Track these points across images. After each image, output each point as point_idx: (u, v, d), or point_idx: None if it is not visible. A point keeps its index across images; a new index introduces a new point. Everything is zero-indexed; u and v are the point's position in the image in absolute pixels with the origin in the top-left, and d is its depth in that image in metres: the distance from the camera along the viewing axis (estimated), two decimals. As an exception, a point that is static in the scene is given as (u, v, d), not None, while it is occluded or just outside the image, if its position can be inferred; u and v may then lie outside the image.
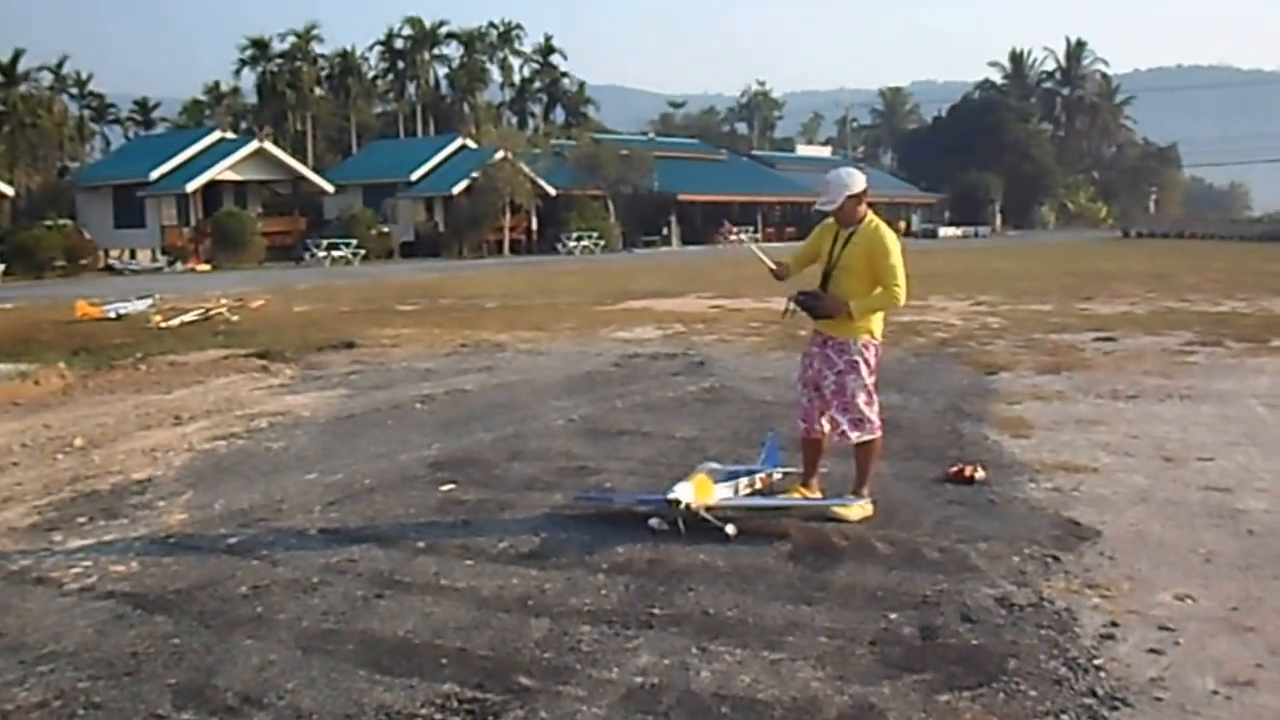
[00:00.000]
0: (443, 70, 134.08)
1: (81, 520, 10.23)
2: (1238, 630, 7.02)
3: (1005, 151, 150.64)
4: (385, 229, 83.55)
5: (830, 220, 10.02)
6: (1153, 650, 6.73)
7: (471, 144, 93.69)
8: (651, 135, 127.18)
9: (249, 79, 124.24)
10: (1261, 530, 9.21)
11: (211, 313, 30.09)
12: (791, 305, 10.05)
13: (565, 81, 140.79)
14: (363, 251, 76.74)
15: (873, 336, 9.92)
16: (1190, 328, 24.28)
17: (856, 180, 9.90)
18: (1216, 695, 6.15)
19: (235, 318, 29.78)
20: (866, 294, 9.75)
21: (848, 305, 9.68)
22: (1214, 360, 19.40)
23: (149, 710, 6.23)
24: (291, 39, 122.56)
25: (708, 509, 9.25)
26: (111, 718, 6.18)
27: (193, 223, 75.52)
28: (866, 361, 9.83)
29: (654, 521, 9.40)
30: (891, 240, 9.80)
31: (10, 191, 73.91)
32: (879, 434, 10.02)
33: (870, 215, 9.91)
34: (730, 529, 9.10)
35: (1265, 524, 9.38)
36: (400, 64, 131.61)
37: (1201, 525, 9.38)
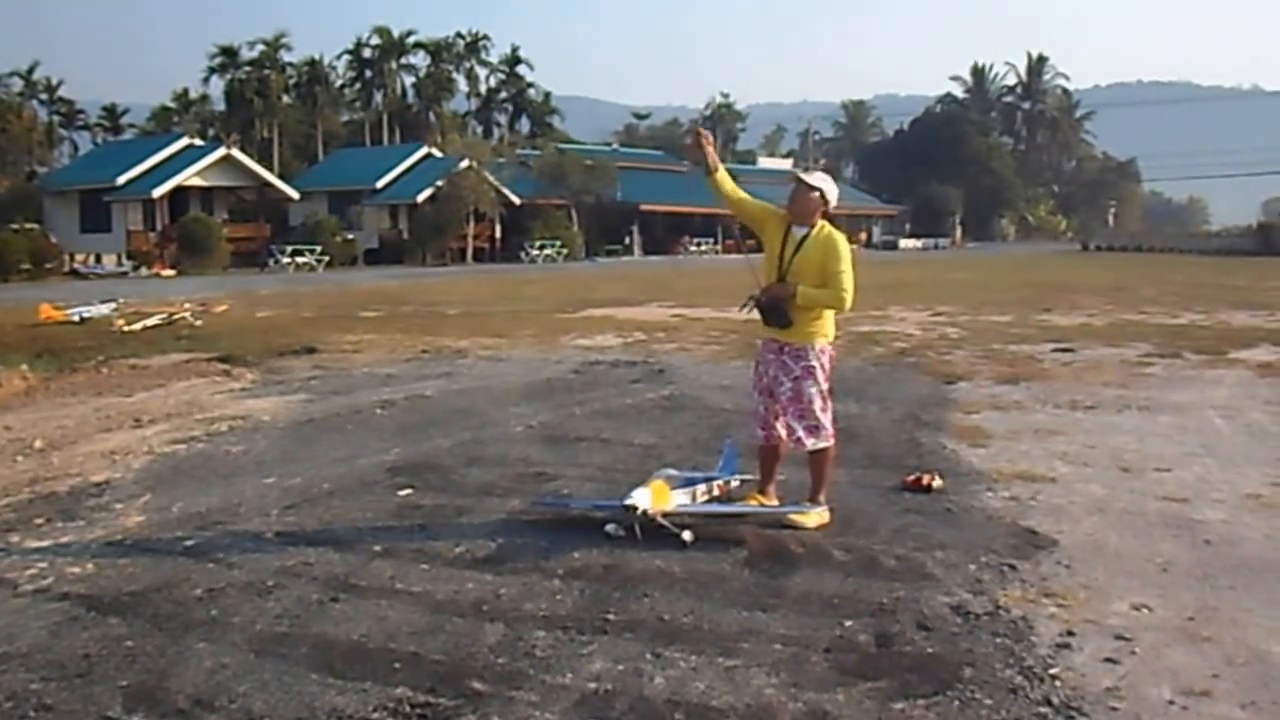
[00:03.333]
0: (410, 80, 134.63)
1: (39, 521, 10.15)
2: (1194, 640, 6.99)
3: (966, 164, 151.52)
4: (350, 236, 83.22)
5: (784, 211, 9.99)
6: (1109, 660, 6.70)
7: (437, 153, 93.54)
8: (615, 146, 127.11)
9: (218, 86, 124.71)
10: (1218, 540, 9.20)
11: (174, 317, 30.00)
12: (750, 304, 10.01)
13: (531, 92, 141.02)
14: (327, 258, 76.39)
15: (828, 340, 9.91)
16: (1148, 339, 24.34)
17: (835, 190, 9.94)
18: (1173, 705, 6.11)
19: (198, 322, 29.68)
20: None
21: (794, 288, 9.67)
22: (1172, 372, 19.45)
23: (99, 712, 6.15)
24: (260, 48, 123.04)
25: (665, 515, 9.21)
26: (62, 720, 6.08)
27: (158, 228, 75.12)
28: (822, 366, 9.82)
29: (611, 527, 9.35)
30: (844, 247, 9.84)
31: (-22, 196, 73.75)
32: (833, 440, 9.99)
33: (823, 222, 9.90)
34: (687, 535, 9.05)
35: (1222, 534, 9.38)
36: (368, 73, 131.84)
37: (1158, 535, 9.37)
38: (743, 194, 10.22)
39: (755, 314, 10.04)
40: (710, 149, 10.04)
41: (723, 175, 10.10)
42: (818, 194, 9.79)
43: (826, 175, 10.14)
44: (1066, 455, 12.54)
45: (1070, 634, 7.09)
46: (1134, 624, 7.27)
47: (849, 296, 9.73)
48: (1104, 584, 8.08)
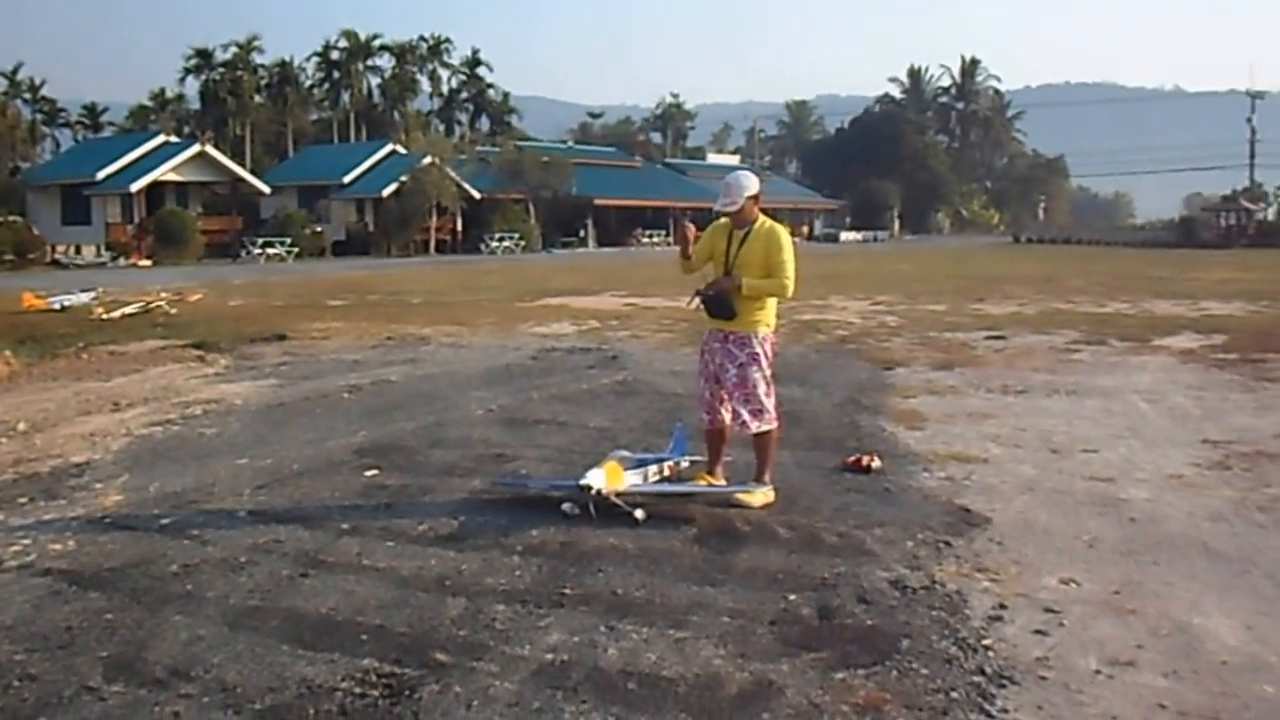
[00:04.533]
0: (375, 80, 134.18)
1: (22, 500, 10.12)
2: (1119, 613, 7.03)
3: (903, 161, 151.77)
4: (318, 228, 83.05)
5: (723, 221, 10.02)
6: (1039, 631, 6.72)
7: (401, 149, 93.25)
8: (571, 143, 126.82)
9: (193, 86, 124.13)
10: (1142, 518, 9.26)
11: (151, 305, 29.93)
12: (696, 300, 10.02)
13: (491, 92, 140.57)
14: (296, 249, 76.26)
15: (770, 329, 9.96)
16: (1076, 327, 24.47)
17: (753, 182, 9.97)
18: (1099, 675, 6.13)
19: (173, 310, 29.55)
20: None
21: (739, 281, 9.72)
22: (1098, 358, 19.53)
23: (81, 682, 6.12)
24: (234, 50, 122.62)
25: (618, 495, 9.23)
26: (45, 689, 6.06)
27: (136, 221, 74.67)
28: (766, 353, 9.87)
29: (567, 506, 9.35)
30: (785, 238, 9.89)
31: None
32: (777, 424, 10.01)
33: (762, 216, 9.92)
34: (639, 514, 9.06)
35: (1146, 512, 9.43)
36: (336, 74, 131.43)
37: (1085, 513, 9.41)
38: (694, 260, 10.24)
39: (702, 308, 10.06)
40: (690, 240, 10.13)
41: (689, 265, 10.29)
42: (750, 201, 9.83)
43: (739, 177, 10.06)
44: (998, 437, 12.59)
45: (1002, 607, 7.12)
46: (1062, 597, 7.30)
47: (791, 283, 9.76)
48: (1034, 559, 8.11)
